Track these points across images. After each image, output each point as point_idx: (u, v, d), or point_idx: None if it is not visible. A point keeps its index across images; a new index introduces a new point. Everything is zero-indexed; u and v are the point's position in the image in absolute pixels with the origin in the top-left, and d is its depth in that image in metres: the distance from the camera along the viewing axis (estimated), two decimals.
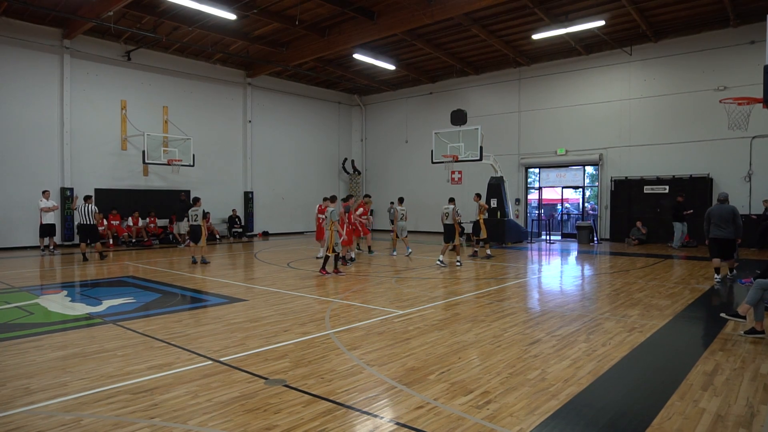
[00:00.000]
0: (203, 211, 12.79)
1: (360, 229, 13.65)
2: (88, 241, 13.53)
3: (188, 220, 12.91)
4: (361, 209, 13.71)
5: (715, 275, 9.58)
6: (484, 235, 13.83)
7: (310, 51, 18.90)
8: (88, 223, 13.30)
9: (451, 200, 12.42)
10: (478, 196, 14.33)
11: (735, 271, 9.90)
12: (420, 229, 23.70)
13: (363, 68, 22.27)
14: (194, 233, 12.83)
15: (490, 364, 4.77)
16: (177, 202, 18.01)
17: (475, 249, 13.87)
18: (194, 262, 12.76)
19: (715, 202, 9.80)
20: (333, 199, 11.49)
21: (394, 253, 14.48)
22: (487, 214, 14.52)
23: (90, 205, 13.32)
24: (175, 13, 15.65)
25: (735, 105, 10.79)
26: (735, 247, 9.52)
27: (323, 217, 12.05)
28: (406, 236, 14.48)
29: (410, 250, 14.48)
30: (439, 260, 12.09)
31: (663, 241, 17.22)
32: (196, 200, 13.04)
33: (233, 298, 8.14)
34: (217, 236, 19.99)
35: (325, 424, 3.46)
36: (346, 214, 12.39)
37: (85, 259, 13.32)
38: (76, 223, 14.13)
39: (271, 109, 23.08)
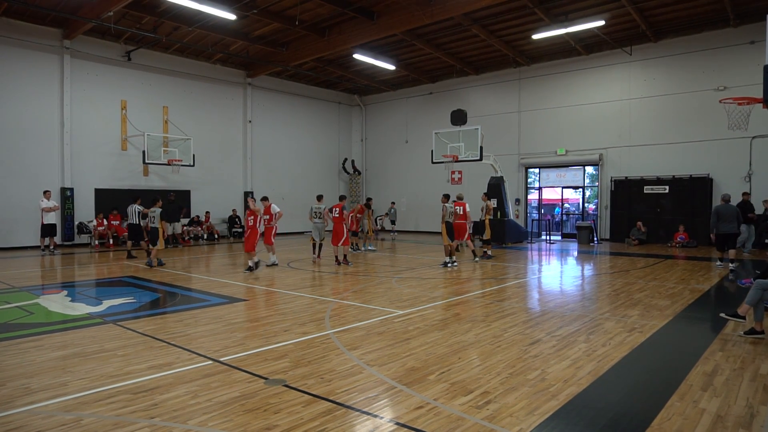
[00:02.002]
0: (160, 212, 12.04)
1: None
2: (134, 241, 14.07)
3: (150, 222, 12.19)
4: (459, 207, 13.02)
5: (719, 262, 11.41)
6: (488, 235, 13.85)
7: (310, 51, 18.91)
8: (135, 222, 13.81)
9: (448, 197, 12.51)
10: (487, 196, 14.39)
11: (736, 262, 11.26)
12: (420, 229, 23.72)
13: (363, 68, 22.28)
14: (151, 235, 12.17)
15: (490, 364, 4.77)
16: (166, 203, 17.69)
17: (485, 249, 13.84)
18: (150, 265, 11.91)
19: (719, 201, 11.44)
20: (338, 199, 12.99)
21: (371, 247, 16.08)
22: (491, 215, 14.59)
23: (135, 206, 13.78)
24: (175, 14, 15.65)
25: (735, 105, 10.77)
26: (736, 240, 11.19)
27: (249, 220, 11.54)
28: (373, 233, 16.67)
29: (372, 247, 16.09)
30: (452, 262, 12.04)
31: (663, 241, 17.22)
32: (155, 200, 12.33)
33: (233, 298, 8.14)
34: (216, 236, 20.01)
35: (325, 424, 3.46)
36: (347, 213, 12.66)
37: (130, 256, 13.62)
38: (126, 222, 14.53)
39: (271, 109, 23.08)
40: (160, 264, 12.18)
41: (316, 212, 13.06)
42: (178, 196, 18.93)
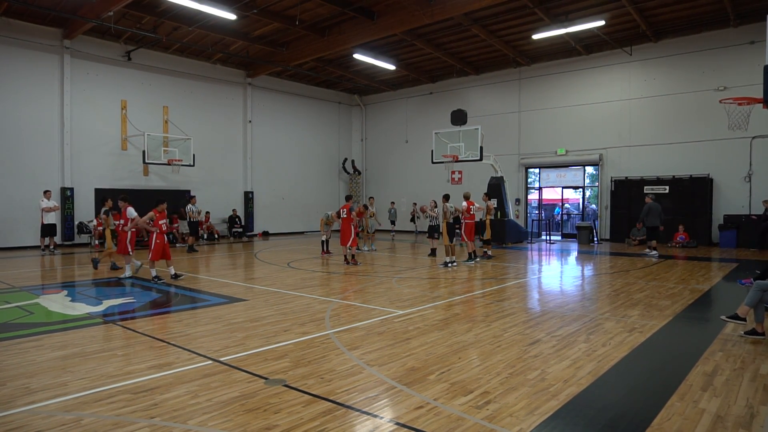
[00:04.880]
0: (108, 210, 11.28)
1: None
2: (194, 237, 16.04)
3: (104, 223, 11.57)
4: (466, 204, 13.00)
5: (653, 251, 14.10)
6: (488, 235, 13.85)
7: (310, 51, 18.91)
8: (193, 220, 15.80)
9: (448, 198, 12.54)
10: (488, 196, 14.40)
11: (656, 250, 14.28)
12: (421, 229, 23.69)
13: (363, 68, 22.27)
14: (105, 237, 11.52)
15: (490, 364, 4.77)
16: (183, 202, 18.44)
17: (485, 249, 13.83)
18: (130, 270, 10.47)
19: (649, 200, 14.45)
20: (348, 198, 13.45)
21: (374, 248, 16.12)
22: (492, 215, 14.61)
23: (190, 205, 15.82)
24: (175, 13, 15.65)
25: (735, 105, 10.75)
26: (658, 231, 14.41)
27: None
28: (373, 233, 16.88)
29: (374, 248, 16.21)
30: (452, 262, 12.00)
31: (663, 241, 17.20)
32: (104, 199, 11.57)
33: (233, 298, 8.14)
34: (216, 236, 20.01)
35: (325, 424, 3.46)
36: (354, 214, 12.86)
37: (193, 250, 15.57)
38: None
39: (271, 109, 23.08)
40: (114, 267, 11.28)
41: (328, 219, 14.60)
42: (178, 196, 18.93)
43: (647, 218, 14.25)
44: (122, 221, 10.17)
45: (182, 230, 18.45)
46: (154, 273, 9.78)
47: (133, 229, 10.20)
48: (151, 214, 9.86)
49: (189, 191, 19.27)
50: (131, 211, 10.14)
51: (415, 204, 22.53)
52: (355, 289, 9.07)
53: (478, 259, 12.94)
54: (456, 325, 6.31)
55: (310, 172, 24.70)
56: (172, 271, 10.14)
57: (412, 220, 22.29)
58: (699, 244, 16.45)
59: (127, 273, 10.25)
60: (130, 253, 10.30)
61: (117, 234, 10.51)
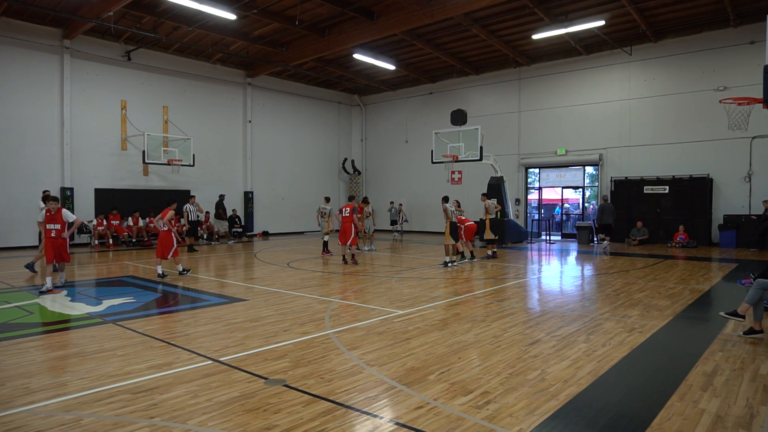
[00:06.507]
0: (41, 209, 9.72)
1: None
2: (194, 236, 16.35)
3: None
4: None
5: (603, 242, 15.46)
6: (488, 235, 13.85)
7: (310, 51, 18.91)
8: (193, 219, 16.02)
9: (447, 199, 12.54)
10: (485, 196, 14.44)
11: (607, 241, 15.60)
12: (420, 229, 23.70)
13: (363, 68, 22.27)
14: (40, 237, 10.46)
15: (490, 364, 4.77)
16: (218, 203, 19.44)
17: (492, 248, 13.80)
18: (51, 282, 8.64)
19: (608, 201, 16.49)
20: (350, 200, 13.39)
21: (374, 248, 16.11)
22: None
23: (188, 205, 15.97)
24: (175, 13, 15.65)
25: (735, 105, 10.74)
26: (610, 228, 15.87)
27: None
28: (373, 233, 16.81)
29: (374, 248, 16.19)
30: (453, 262, 12.02)
31: (663, 241, 17.22)
32: (46, 198, 9.52)
33: (233, 298, 8.14)
34: (216, 236, 19.99)
35: (325, 424, 3.46)
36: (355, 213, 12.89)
37: (192, 249, 15.64)
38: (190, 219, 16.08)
39: (271, 109, 23.08)
40: (31, 268, 10.65)
41: (322, 212, 14.81)
42: (178, 196, 18.88)
43: (601, 217, 15.81)
44: (58, 226, 8.62)
45: (218, 228, 19.03)
46: (160, 270, 10.12)
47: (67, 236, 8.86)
48: (171, 213, 10.21)
49: (221, 195, 19.76)
50: (68, 214, 8.80)
51: (401, 205, 22.60)
52: (354, 289, 9.07)
53: (475, 260, 12.97)
54: (456, 325, 6.31)
55: (309, 172, 24.69)
56: (160, 270, 10.16)
57: (395, 222, 22.28)
58: (699, 244, 16.44)
59: (48, 285, 8.54)
60: (55, 264, 8.89)
61: (45, 238, 8.78)
